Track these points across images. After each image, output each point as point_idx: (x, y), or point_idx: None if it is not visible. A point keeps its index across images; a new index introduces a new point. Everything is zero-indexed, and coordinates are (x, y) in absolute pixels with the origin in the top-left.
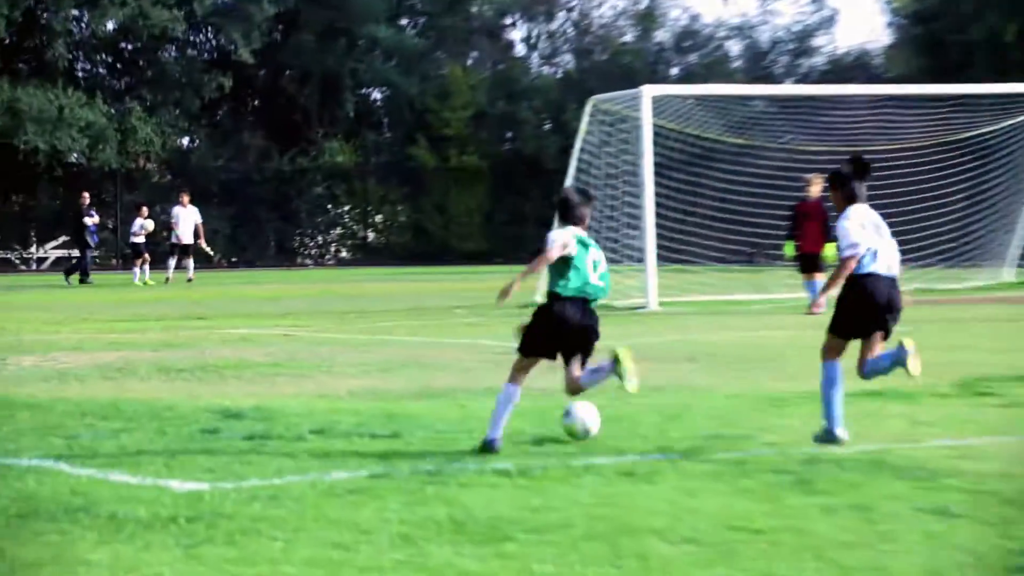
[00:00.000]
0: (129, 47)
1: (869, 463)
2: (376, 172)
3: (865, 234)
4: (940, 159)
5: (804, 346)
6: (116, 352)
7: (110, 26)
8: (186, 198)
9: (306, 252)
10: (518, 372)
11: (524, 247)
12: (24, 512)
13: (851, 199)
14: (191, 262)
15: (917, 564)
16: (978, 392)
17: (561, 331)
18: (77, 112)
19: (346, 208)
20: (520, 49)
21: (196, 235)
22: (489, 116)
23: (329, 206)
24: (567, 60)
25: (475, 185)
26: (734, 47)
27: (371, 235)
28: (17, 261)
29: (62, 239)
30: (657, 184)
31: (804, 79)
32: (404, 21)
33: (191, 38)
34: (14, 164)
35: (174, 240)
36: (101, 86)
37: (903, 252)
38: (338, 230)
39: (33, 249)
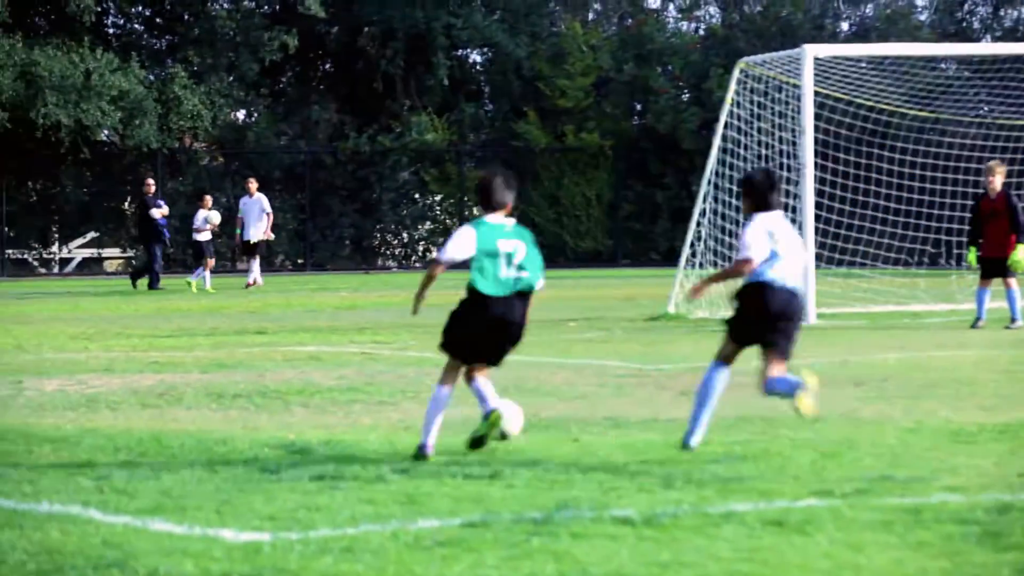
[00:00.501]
0: None
1: None
2: (475, 153)
3: (767, 242)
4: None
5: (997, 369)
6: (157, 375)
7: None
8: (254, 185)
9: (389, 252)
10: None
11: (655, 246)
12: (46, 569)
13: (760, 207)
14: (257, 264)
15: None
16: None
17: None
18: (108, 79)
19: (438, 198)
20: (653, 0)
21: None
22: (615, 84)
23: (417, 195)
24: (711, 13)
25: (596, 170)
26: None
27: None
28: (36, 263)
29: (90, 235)
30: (820, 168)
31: (1008, 35)
32: None
33: None
34: (32, 143)
35: (245, 237)
36: (137, 46)
37: None
38: (428, 225)
39: (55, 248)
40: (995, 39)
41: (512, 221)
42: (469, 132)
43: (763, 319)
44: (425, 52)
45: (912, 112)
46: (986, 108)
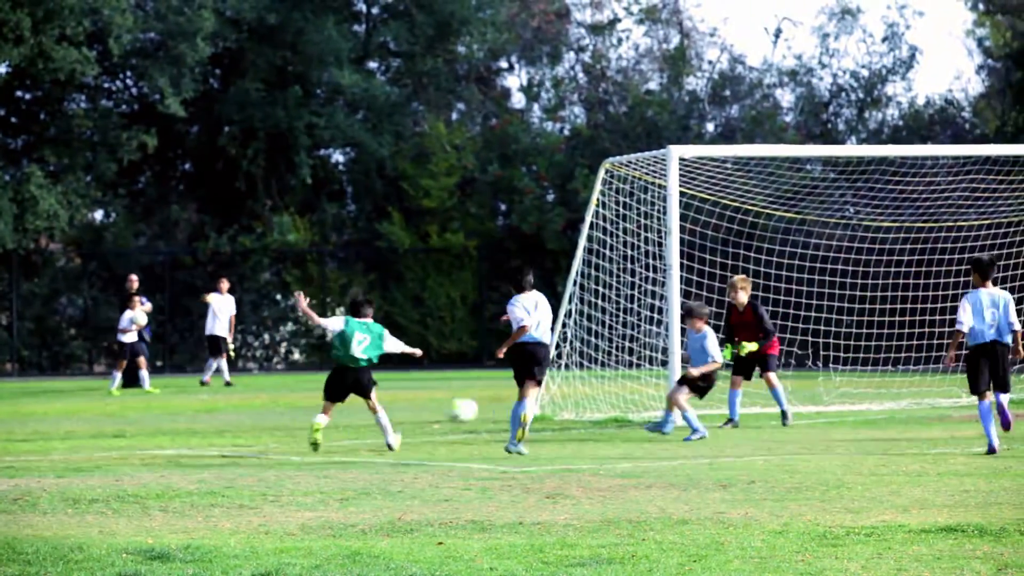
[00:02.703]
0: (27, 96)
1: None
2: (337, 254)
3: (526, 312)
4: None
5: (864, 472)
6: (10, 479)
7: (2, 69)
8: (225, 285)
9: (249, 353)
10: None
11: None
12: None
13: (520, 289)
14: (224, 362)
15: None
16: None
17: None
18: None
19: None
20: (518, 100)
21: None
22: (479, 184)
23: (279, 296)
24: (576, 113)
25: (461, 270)
26: (786, 97)
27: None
28: None
29: None
30: (685, 269)
31: (873, 137)
32: (373, 64)
33: (105, 85)
34: None
35: (212, 334)
36: None
37: None
38: (289, 326)
39: None
40: (859, 141)
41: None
42: (332, 232)
43: (526, 363)
44: (287, 151)
45: (778, 213)
46: (851, 209)
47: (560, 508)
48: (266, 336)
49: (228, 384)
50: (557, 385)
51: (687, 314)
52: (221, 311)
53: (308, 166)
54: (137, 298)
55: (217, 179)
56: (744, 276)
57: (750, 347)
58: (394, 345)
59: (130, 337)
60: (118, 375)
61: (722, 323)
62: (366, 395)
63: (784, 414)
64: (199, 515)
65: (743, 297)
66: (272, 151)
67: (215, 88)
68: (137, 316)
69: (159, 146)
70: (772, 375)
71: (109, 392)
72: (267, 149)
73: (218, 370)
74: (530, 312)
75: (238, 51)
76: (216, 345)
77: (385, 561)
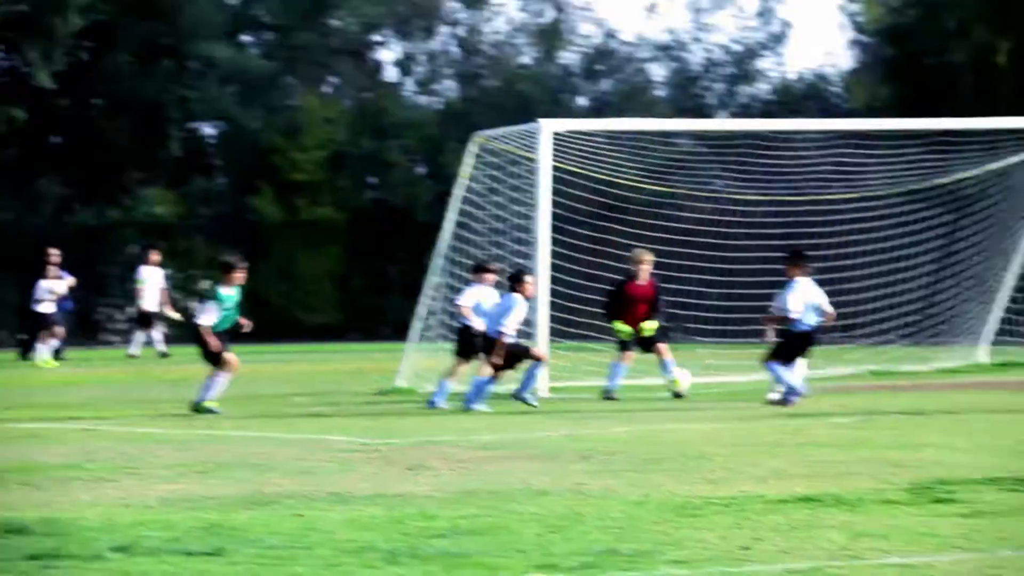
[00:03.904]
0: None
1: None
2: (206, 228)
3: None
4: (907, 212)
5: (723, 443)
6: None
7: None
8: (154, 256)
9: (114, 327)
10: None
11: (386, 320)
12: None
13: None
14: (157, 333)
15: None
16: (935, 499)
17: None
18: None
19: (167, 272)
20: (391, 74)
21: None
22: (350, 158)
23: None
24: (449, 87)
25: (329, 244)
26: (657, 71)
27: (194, 320)
28: None
29: None
30: (555, 242)
31: (743, 112)
32: (246, 38)
33: None
34: None
35: (141, 308)
36: None
37: (858, 324)
38: None
39: None
40: (730, 115)
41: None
42: (200, 206)
43: None
44: (158, 124)
45: (648, 186)
46: (721, 183)
47: (421, 480)
48: (131, 309)
49: (164, 355)
50: (423, 357)
51: None
52: (151, 283)
53: (179, 139)
54: (55, 269)
55: (86, 152)
56: (644, 248)
57: (651, 326)
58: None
59: (45, 307)
60: (41, 346)
61: (608, 297)
62: None
63: (673, 383)
64: (58, 488)
65: (647, 271)
66: (143, 124)
67: (86, 61)
68: (54, 286)
69: (28, 120)
70: (663, 346)
71: (37, 363)
72: (138, 122)
73: (149, 342)
74: None
75: (110, 23)
76: (146, 319)
77: (244, 533)
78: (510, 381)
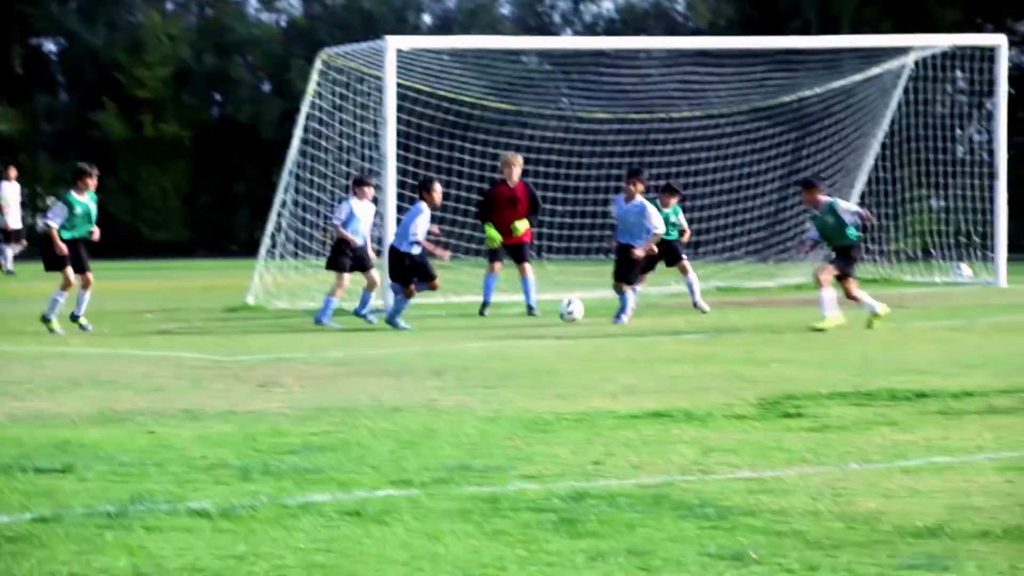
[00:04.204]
0: None
1: (649, 499)
2: (49, 144)
3: None
4: (752, 130)
5: (575, 359)
6: None
7: None
8: (13, 172)
9: None
10: None
11: (234, 237)
12: None
13: None
14: (12, 250)
15: None
16: (784, 413)
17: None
18: None
19: None
20: None
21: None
22: (194, 74)
23: None
24: (293, 4)
25: (174, 160)
26: None
27: (41, 222)
28: None
29: None
30: (402, 160)
31: (588, 30)
32: None
33: None
34: None
35: (7, 225)
36: None
37: (703, 241)
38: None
39: None
40: (575, 34)
41: None
42: (44, 122)
43: None
44: None
45: (494, 104)
46: (566, 101)
47: (273, 396)
48: None
49: (9, 273)
50: (271, 274)
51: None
52: (11, 200)
53: (19, 56)
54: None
55: None
56: (515, 152)
57: (522, 226)
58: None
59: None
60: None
61: (480, 202)
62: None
63: (531, 308)
64: None
65: (517, 174)
66: None
67: None
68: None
69: None
70: (528, 265)
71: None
72: None
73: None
74: None
75: None
76: (12, 235)
77: (95, 450)
78: (354, 297)
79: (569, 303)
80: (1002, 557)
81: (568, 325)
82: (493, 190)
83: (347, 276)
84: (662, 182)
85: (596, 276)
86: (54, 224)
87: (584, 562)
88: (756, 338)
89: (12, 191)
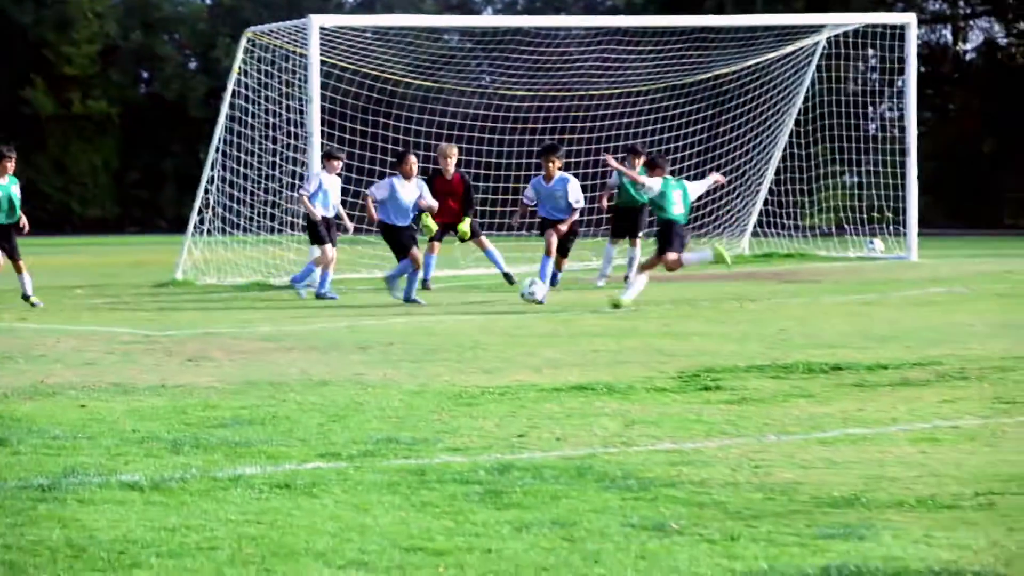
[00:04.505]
0: None
1: (572, 471)
2: None
3: None
4: (670, 107)
5: (499, 333)
6: None
7: None
8: None
9: None
10: None
11: (162, 213)
12: None
13: None
14: None
15: None
16: (703, 386)
17: None
18: None
19: None
20: None
21: None
22: (121, 52)
23: None
24: None
25: (103, 137)
26: None
27: None
28: None
29: None
30: (326, 136)
31: (508, 9)
32: None
33: None
34: None
35: None
36: None
37: None
38: None
39: None
40: (496, 12)
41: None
42: None
43: None
44: None
45: (416, 82)
46: (487, 78)
47: (202, 370)
48: None
49: None
50: (200, 250)
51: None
52: None
53: None
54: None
55: None
56: (450, 143)
57: (464, 228)
58: None
59: None
60: None
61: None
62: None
63: (507, 276)
64: None
65: (452, 163)
66: None
67: None
68: None
69: None
70: (484, 238)
71: None
72: None
73: None
74: None
75: None
76: None
77: (27, 424)
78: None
79: (532, 283)
80: (916, 526)
81: (496, 302)
82: (431, 182)
83: (329, 246)
84: (585, 159)
85: (517, 251)
86: None
87: (510, 532)
88: (675, 312)
89: None
